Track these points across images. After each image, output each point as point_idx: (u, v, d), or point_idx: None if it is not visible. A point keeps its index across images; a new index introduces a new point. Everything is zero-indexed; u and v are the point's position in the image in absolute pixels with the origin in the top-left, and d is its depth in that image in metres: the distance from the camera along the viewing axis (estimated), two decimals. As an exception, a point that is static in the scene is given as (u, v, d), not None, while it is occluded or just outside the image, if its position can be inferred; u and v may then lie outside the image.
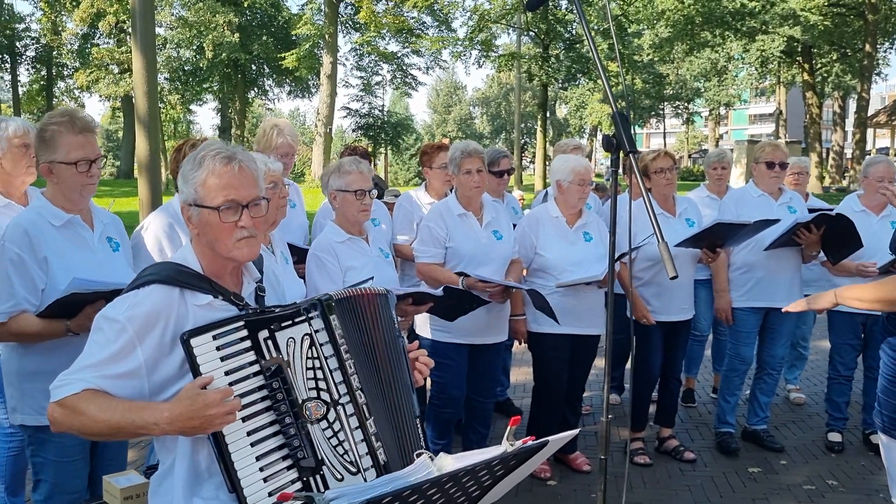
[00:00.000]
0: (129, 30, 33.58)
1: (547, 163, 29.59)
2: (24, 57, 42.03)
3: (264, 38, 37.97)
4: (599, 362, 5.49)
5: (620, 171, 2.03)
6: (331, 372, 2.03)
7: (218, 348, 1.89)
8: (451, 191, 4.45)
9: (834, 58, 33.02)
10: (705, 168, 5.86)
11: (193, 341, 1.86)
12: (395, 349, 2.17)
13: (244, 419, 1.89)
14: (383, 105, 46.80)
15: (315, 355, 2.02)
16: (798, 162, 5.70)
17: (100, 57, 35.92)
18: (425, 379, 2.34)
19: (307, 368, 2.00)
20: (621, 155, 1.94)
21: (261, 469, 1.91)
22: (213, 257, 2.02)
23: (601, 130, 54.95)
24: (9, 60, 41.42)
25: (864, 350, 4.96)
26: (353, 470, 2.01)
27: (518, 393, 6.14)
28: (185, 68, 38.43)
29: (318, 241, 3.60)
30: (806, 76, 31.74)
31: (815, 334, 6.25)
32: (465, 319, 4.00)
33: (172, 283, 1.95)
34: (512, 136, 46.95)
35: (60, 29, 38.76)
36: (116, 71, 36.26)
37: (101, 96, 37.73)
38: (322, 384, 2.01)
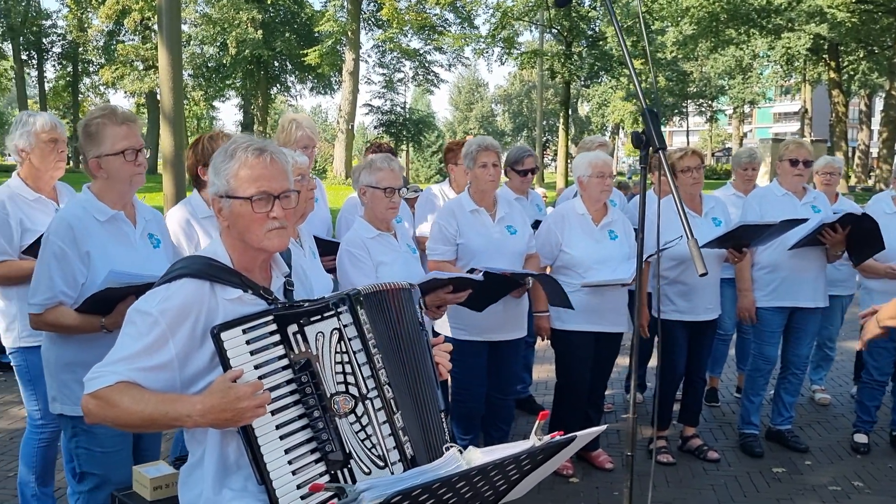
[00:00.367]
0: (154, 27, 33.84)
1: (569, 161, 29.49)
2: (50, 53, 42.57)
3: (287, 34, 38.15)
4: (622, 361, 5.47)
5: (640, 168, 2.02)
6: (359, 366, 2.05)
7: (248, 342, 1.91)
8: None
9: (861, 55, 32.59)
10: (734, 167, 5.80)
11: (224, 335, 1.88)
12: (419, 344, 2.19)
13: (273, 412, 1.91)
14: (405, 102, 46.84)
15: (344, 349, 2.04)
16: (831, 162, 5.60)
17: (125, 53, 36.29)
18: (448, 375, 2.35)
19: (336, 363, 2.02)
20: (650, 152, 1.94)
21: (289, 462, 1.93)
22: (243, 251, 2.05)
23: (623, 128, 54.69)
24: (35, 57, 41.95)
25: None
26: (381, 464, 2.02)
27: (540, 390, 6.13)
28: (209, 65, 38.73)
29: (348, 237, 3.64)
30: (832, 74, 31.39)
31: (841, 335, 6.18)
32: (483, 317, 4.01)
33: (203, 276, 1.97)
34: (534, 133, 46.83)
35: (86, 26, 39.20)
36: (141, 67, 36.62)
37: (125, 93, 38.12)
38: (350, 378, 2.03)
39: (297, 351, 1.97)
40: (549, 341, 4.53)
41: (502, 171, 4.68)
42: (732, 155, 6.27)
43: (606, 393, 4.91)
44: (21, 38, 39.59)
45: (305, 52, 35.32)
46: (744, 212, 4.82)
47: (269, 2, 36.41)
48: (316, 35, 36.38)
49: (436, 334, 4.11)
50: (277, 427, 1.93)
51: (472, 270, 3.88)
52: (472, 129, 68.28)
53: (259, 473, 1.89)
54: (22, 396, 3.56)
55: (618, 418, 5.54)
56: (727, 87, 46.42)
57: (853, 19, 26.43)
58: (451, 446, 1.83)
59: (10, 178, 3.47)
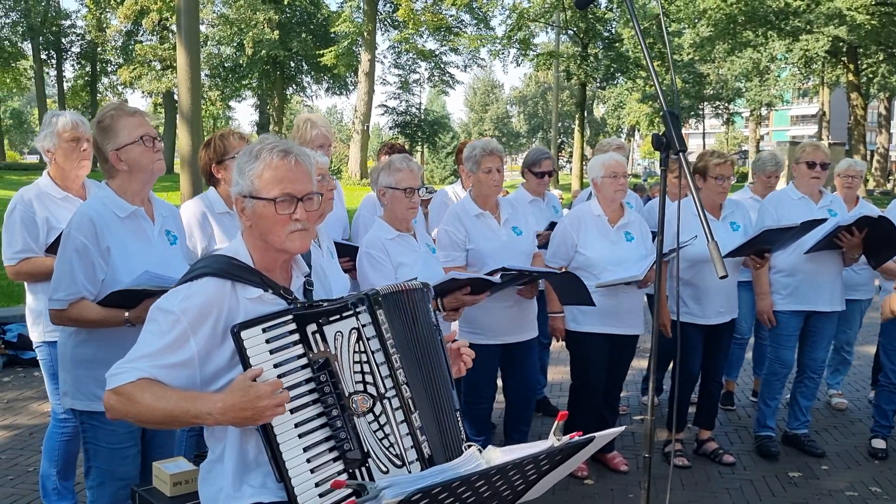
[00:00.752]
0: (172, 27, 34.06)
1: (584, 163, 29.42)
2: (69, 53, 43.00)
3: (303, 35, 38.32)
4: (637, 363, 5.46)
5: (660, 170, 2.02)
6: (377, 366, 2.06)
7: (267, 341, 1.93)
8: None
9: (881, 58, 32.30)
10: (757, 172, 5.73)
11: (244, 334, 1.89)
12: (434, 343, 2.20)
13: (292, 411, 1.92)
14: (420, 103, 46.93)
15: (362, 349, 2.05)
16: (853, 165, 5.54)
17: (143, 53, 36.54)
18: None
19: (354, 362, 2.03)
20: (670, 154, 1.94)
21: (308, 460, 1.94)
22: (264, 251, 2.06)
23: (639, 130, 54.49)
24: (54, 56, 42.38)
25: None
26: (399, 463, 2.03)
27: (555, 392, 6.13)
28: (226, 65, 38.94)
29: (368, 239, 3.65)
30: (851, 77, 31.14)
31: (859, 339, 6.14)
32: (494, 319, 4.01)
33: (225, 276, 1.99)
34: (549, 135, 46.77)
35: (105, 26, 39.52)
36: (158, 67, 36.87)
37: (143, 92, 38.39)
38: (369, 378, 2.04)
39: (315, 350, 1.98)
40: (564, 342, 4.53)
41: (518, 173, 4.68)
42: (754, 159, 6.20)
43: (622, 395, 4.90)
44: (40, 38, 40.02)
45: (321, 52, 35.44)
46: (760, 216, 4.79)
47: (285, 2, 36.58)
48: (332, 36, 36.51)
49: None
50: (296, 425, 1.94)
51: (492, 273, 3.87)
52: (487, 130, 68.27)
53: (278, 471, 1.91)
54: (47, 390, 3.62)
55: (633, 420, 5.53)
56: (744, 90, 46.13)
57: (873, 21, 26.20)
58: (471, 445, 1.84)
59: (41, 177, 3.54)
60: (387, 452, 2.03)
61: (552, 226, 4.76)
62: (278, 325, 1.94)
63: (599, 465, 4.61)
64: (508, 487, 1.83)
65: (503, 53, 36.41)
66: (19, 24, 39.64)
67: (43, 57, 41.67)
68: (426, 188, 5.78)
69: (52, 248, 3.21)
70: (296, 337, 1.96)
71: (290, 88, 43.33)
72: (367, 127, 35.08)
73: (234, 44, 37.50)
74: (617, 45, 34.54)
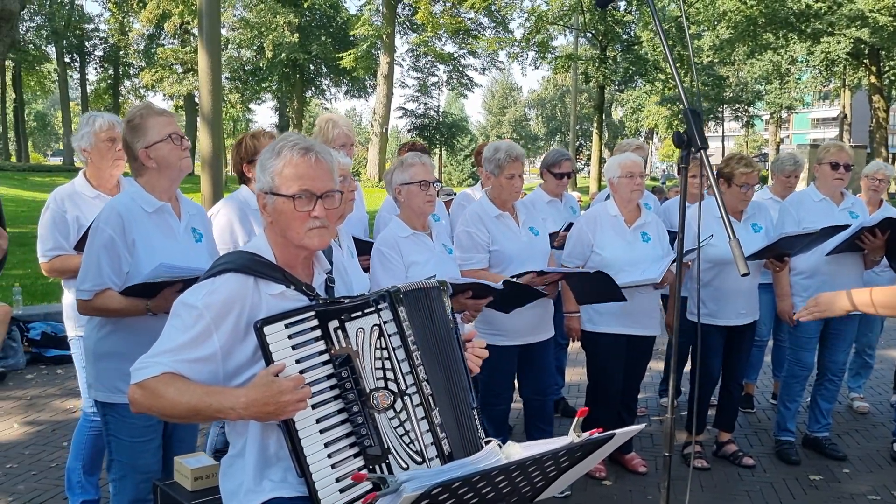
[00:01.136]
0: (193, 30, 34.30)
1: (602, 166, 29.32)
2: (92, 56, 43.55)
3: (323, 38, 38.52)
4: (654, 365, 5.43)
5: (677, 170, 2.02)
6: (398, 362, 2.07)
7: (290, 337, 1.94)
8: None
9: (904, 60, 31.97)
10: (775, 172, 5.70)
11: (266, 329, 1.91)
12: (451, 341, 2.21)
13: (313, 406, 1.94)
14: (439, 106, 47.02)
15: (383, 346, 2.06)
16: (882, 168, 5.45)
17: (164, 57, 36.89)
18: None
19: (375, 358, 2.04)
20: (692, 152, 1.94)
21: (329, 455, 1.95)
22: (285, 246, 2.08)
23: (657, 133, 54.23)
24: (78, 60, 42.91)
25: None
26: (419, 459, 2.04)
27: (572, 392, 6.13)
28: (246, 68, 39.21)
29: (382, 236, 3.66)
30: (873, 79, 30.82)
31: (880, 343, 6.08)
32: (513, 320, 4.01)
33: (247, 271, 2.01)
34: (567, 138, 46.65)
35: (127, 29, 39.95)
36: (180, 70, 37.19)
37: (164, 95, 38.74)
38: (390, 374, 2.06)
39: (337, 346, 1.99)
40: (580, 343, 4.52)
41: (535, 176, 4.69)
42: (773, 160, 6.15)
43: (639, 397, 4.89)
44: (64, 42, 40.53)
45: (341, 55, 35.61)
46: (780, 218, 4.76)
47: (305, 6, 36.76)
48: (351, 39, 36.69)
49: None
50: (318, 421, 1.95)
51: (520, 275, 3.86)
52: (505, 133, 68.20)
53: (299, 466, 1.92)
54: (79, 384, 3.71)
55: (651, 422, 5.51)
56: (764, 92, 45.82)
57: (895, 23, 25.93)
58: (491, 440, 1.85)
59: (77, 176, 3.64)
60: (407, 449, 2.04)
61: (570, 226, 4.75)
62: (301, 321, 1.96)
63: (618, 467, 4.60)
64: (528, 483, 1.83)
65: (521, 56, 36.47)
66: (44, 28, 40.18)
67: (67, 60, 42.21)
68: (444, 190, 5.80)
69: (80, 245, 3.27)
70: (318, 333, 1.98)
71: (310, 91, 43.58)
72: (386, 129, 35.21)
73: (255, 47, 37.77)
74: (636, 47, 34.43)
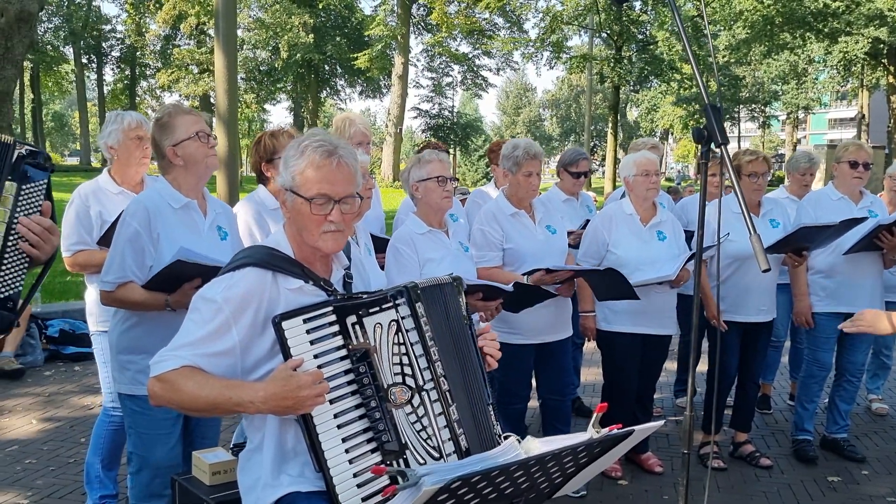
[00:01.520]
0: (209, 31, 34.44)
1: (617, 166, 29.23)
2: (109, 57, 43.85)
3: (338, 38, 38.62)
4: (670, 365, 5.41)
5: (693, 172, 2.01)
6: (416, 358, 2.08)
7: (308, 332, 1.95)
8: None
9: (923, 60, 31.64)
10: (791, 171, 5.67)
11: (285, 324, 1.92)
12: (465, 337, 2.21)
13: (331, 401, 1.95)
14: (453, 106, 47.06)
15: (401, 341, 2.06)
16: None
17: (180, 57, 37.12)
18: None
19: (393, 354, 2.05)
20: (712, 147, 1.93)
21: (346, 450, 1.96)
22: (302, 242, 2.09)
23: (672, 133, 53.97)
24: (95, 60, 43.25)
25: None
26: (436, 455, 2.05)
27: (588, 392, 6.11)
28: (261, 68, 39.38)
29: (398, 233, 3.66)
30: (891, 79, 30.51)
31: (899, 343, 6.03)
32: (530, 318, 4.01)
33: (266, 266, 2.02)
34: (581, 138, 46.56)
35: (144, 30, 40.21)
36: (196, 71, 37.39)
37: (180, 95, 38.96)
38: (407, 370, 2.06)
39: (355, 342, 2.00)
40: (595, 342, 4.51)
41: (550, 176, 4.68)
42: (787, 159, 6.12)
43: (655, 397, 4.86)
44: (82, 43, 40.84)
45: (355, 55, 35.69)
46: (798, 216, 4.73)
47: (320, 6, 36.88)
48: (366, 39, 36.75)
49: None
50: (335, 416, 1.96)
51: (532, 272, 3.86)
52: (520, 133, 68.12)
53: (317, 460, 1.93)
54: (99, 379, 3.74)
55: (667, 422, 5.48)
56: (781, 93, 45.48)
57: (914, 23, 25.67)
58: (510, 435, 1.84)
59: (101, 174, 3.68)
60: (424, 444, 2.04)
61: (587, 224, 4.74)
62: (319, 316, 1.97)
63: (634, 466, 4.58)
64: (546, 479, 1.83)
65: (536, 56, 36.35)
66: (61, 29, 40.53)
67: (84, 61, 42.52)
68: (459, 189, 5.80)
69: (103, 240, 3.31)
70: (336, 328, 1.98)
71: (325, 91, 43.69)
72: (401, 130, 35.26)
73: (270, 47, 37.92)
74: (651, 47, 34.28)
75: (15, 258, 2.34)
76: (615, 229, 4.31)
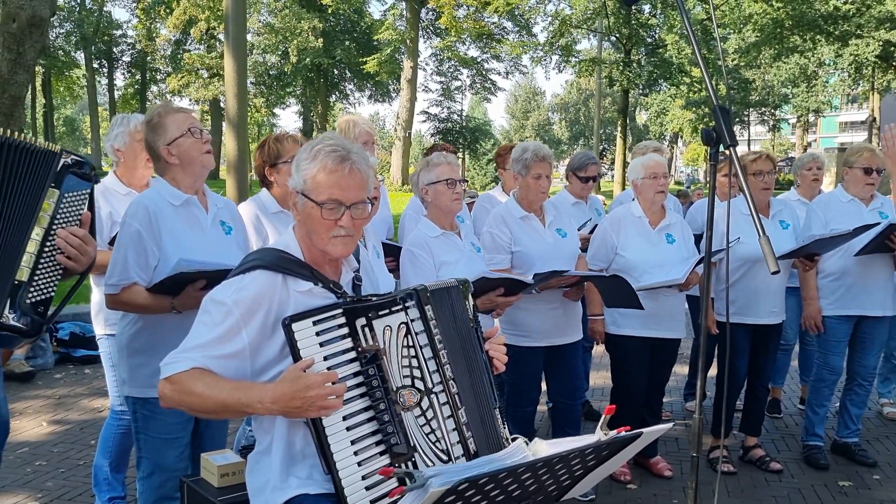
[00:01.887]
0: (219, 36, 34.54)
1: (626, 170, 29.17)
2: (120, 62, 44.12)
3: (347, 43, 38.69)
4: (679, 369, 5.38)
5: (703, 174, 2.01)
6: (425, 361, 2.08)
7: (317, 334, 1.96)
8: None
9: (934, 63, 31.46)
10: (797, 171, 5.66)
11: (295, 326, 1.93)
12: (471, 340, 2.21)
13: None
14: (462, 110, 47.08)
15: (410, 344, 2.07)
16: None
17: (190, 62, 37.27)
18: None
19: (402, 356, 2.05)
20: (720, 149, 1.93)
21: (355, 453, 1.96)
22: (312, 245, 2.10)
23: (682, 137, 53.84)
24: (106, 65, 43.51)
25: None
26: (445, 458, 2.05)
27: (597, 396, 6.10)
28: (271, 73, 39.51)
29: (412, 237, 3.67)
30: (902, 81, 30.37)
31: (910, 347, 5.98)
32: (539, 321, 4.01)
33: (276, 269, 2.03)
34: (591, 142, 46.51)
35: (154, 35, 40.42)
36: (206, 75, 37.55)
37: (190, 100, 39.13)
38: (416, 372, 2.06)
39: (364, 344, 2.00)
40: (604, 346, 4.50)
41: (558, 180, 4.68)
42: (794, 161, 6.11)
43: (665, 401, 4.85)
44: (93, 48, 41.09)
45: (364, 60, 35.76)
46: (807, 220, 4.69)
47: (329, 11, 36.96)
48: (375, 43, 36.82)
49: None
50: (344, 418, 1.96)
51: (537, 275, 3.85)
52: (529, 137, 68.04)
53: (325, 463, 1.93)
54: (106, 382, 3.75)
55: (676, 426, 5.46)
56: (791, 96, 45.30)
57: (926, 25, 25.55)
58: (517, 437, 1.84)
59: (107, 175, 3.68)
60: (433, 447, 2.04)
61: (594, 228, 4.73)
62: (328, 318, 1.97)
63: (643, 470, 4.57)
64: (554, 481, 1.83)
65: (545, 60, 36.32)
66: (73, 34, 40.76)
67: (95, 66, 42.79)
68: (468, 193, 5.80)
69: (113, 242, 3.32)
70: (345, 330, 1.99)
71: (334, 95, 43.79)
72: (409, 134, 35.30)
73: (279, 52, 38.05)
74: (660, 50, 34.21)
75: (50, 265, 2.37)
76: (624, 232, 4.30)
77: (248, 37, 35.12)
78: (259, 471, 2.11)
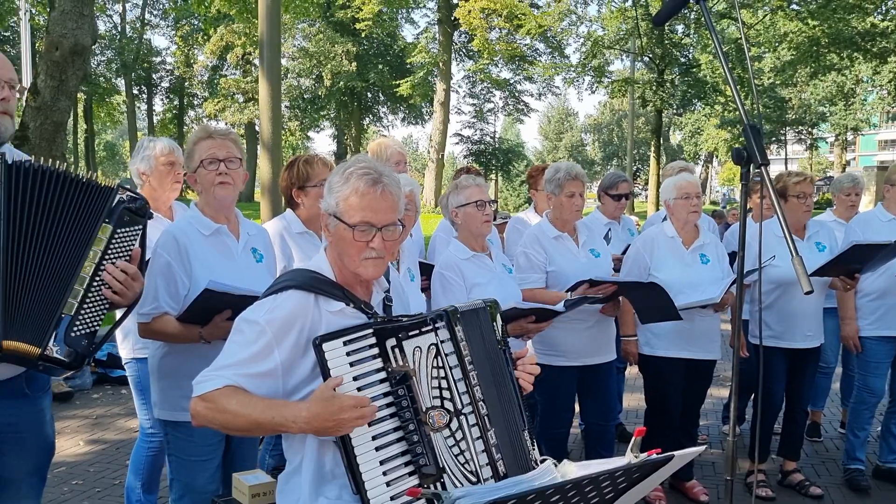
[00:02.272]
0: (255, 61, 35.08)
1: (659, 190, 28.91)
2: (159, 88, 45.07)
3: (380, 66, 39.08)
4: (717, 392, 5.30)
5: (738, 194, 1.99)
6: (455, 382, 2.08)
7: (348, 354, 1.96)
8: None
9: (975, 79, 30.88)
10: (835, 193, 5.58)
11: (325, 346, 1.93)
12: (500, 361, 2.20)
13: (370, 424, 1.95)
14: (495, 131, 47.17)
15: (440, 365, 2.07)
16: None
17: (227, 87, 37.90)
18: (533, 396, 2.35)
19: (432, 377, 2.05)
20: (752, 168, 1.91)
21: (384, 473, 1.96)
22: (343, 266, 2.11)
23: (717, 157, 53.35)
24: (145, 91, 44.46)
25: None
26: (474, 479, 2.04)
27: (630, 418, 6.02)
28: (305, 96, 40.02)
29: (443, 260, 3.68)
30: (943, 99, 29.84)
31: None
32: (573, 340, 3.98)
33: (308, 289, 2.05)
34: (624, 162, 46.28)
35: (192, 62, 41.24)
36: (241, 100, 38.14)
37: (226, 123, 39.74)
38: (446, 393, 2.06)
39: (394, 364, 2.00)
40: (638, 367, 4.45)
41: (592, 200, 4.67)
42: (832, 182, 6.01)
43: (702, 423, 4.77)
44: (133, 74, 42.03)
45: (398, 83, 36.06)
46: (846, 238, 4.62)
47: (363, 35, 37.40)
48: (408, 66, 37.11)
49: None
50: (373, 438, 1.96)
51: (575, 286, 3.83)
52: (562, 158, 67.96)
53: (354, 483, 1.93)
54: (135, 406, 3.77)
55: (713, 450, 5.36)
56: (828, 114, 44.71)
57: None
58: (546, 458, 1.83)
59: None
60: (462, 469, 2.03)
61: (627, 248, 4.70)
62: (359, 338, 1.98)
63: (678, 494, 4.49)
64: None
65: (578, 81, 36.30)
66: (113, 62, 41.78)
67: (135, 92, 43.75)
68: (500, 214, 5.80)
69: (142, 268, 3.36)
70: (375, 351, 1.99)
71: (367, 118, 44.17)
72: (442, 156, 35.42)
73: (314, 76, 38.53)
74: (694, 70, 34.01)
75: (97, 299, 2.43)
76: (657, 252, 4.27)
77: (283, 61, 35.70)
78: (289, 491, 2.12)
